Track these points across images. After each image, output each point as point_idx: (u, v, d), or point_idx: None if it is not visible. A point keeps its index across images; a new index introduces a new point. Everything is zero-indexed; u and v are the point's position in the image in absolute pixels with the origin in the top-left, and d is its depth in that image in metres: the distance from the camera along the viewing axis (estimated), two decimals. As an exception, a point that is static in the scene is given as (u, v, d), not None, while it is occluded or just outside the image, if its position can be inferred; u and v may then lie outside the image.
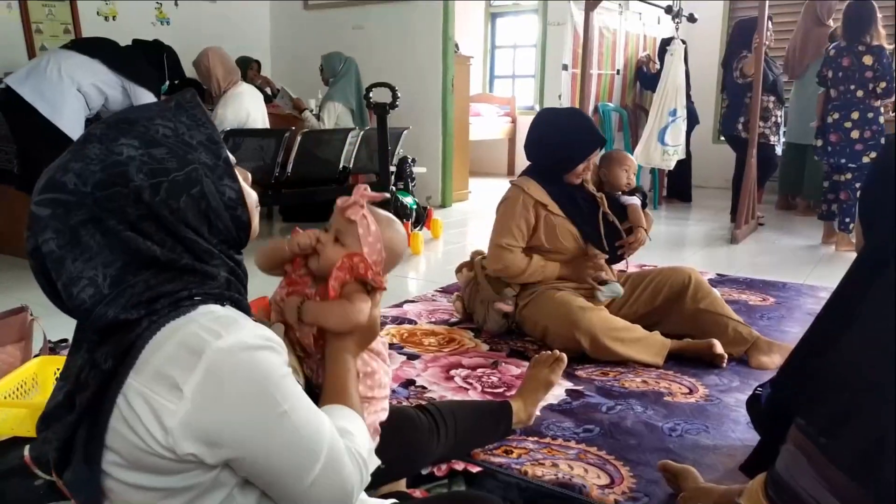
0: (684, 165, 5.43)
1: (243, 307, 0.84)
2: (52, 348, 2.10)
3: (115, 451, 0.76)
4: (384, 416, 1.12)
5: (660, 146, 4.34)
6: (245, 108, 3.81)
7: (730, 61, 4.64)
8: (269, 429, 0.76)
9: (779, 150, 4.71)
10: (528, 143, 2.35)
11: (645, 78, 5.66)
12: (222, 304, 0.80)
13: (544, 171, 2.30)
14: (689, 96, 5.15)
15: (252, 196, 0.87)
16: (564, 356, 1.77)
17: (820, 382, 0.99)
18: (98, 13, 4.89)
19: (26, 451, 1.54)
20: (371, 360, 1.11)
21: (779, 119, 4.62)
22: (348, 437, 0.86)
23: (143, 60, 3.46)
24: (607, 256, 2.30)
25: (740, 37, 4.61)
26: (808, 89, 4.96)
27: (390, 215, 1.15)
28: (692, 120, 5.14)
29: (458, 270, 2.60)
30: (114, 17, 4.95)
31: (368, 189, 1.10)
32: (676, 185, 5.80)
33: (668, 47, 4.37)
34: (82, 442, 0.77)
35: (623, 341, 2.10)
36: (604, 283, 2.29)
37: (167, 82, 3.69)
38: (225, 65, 3.80)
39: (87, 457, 0.76)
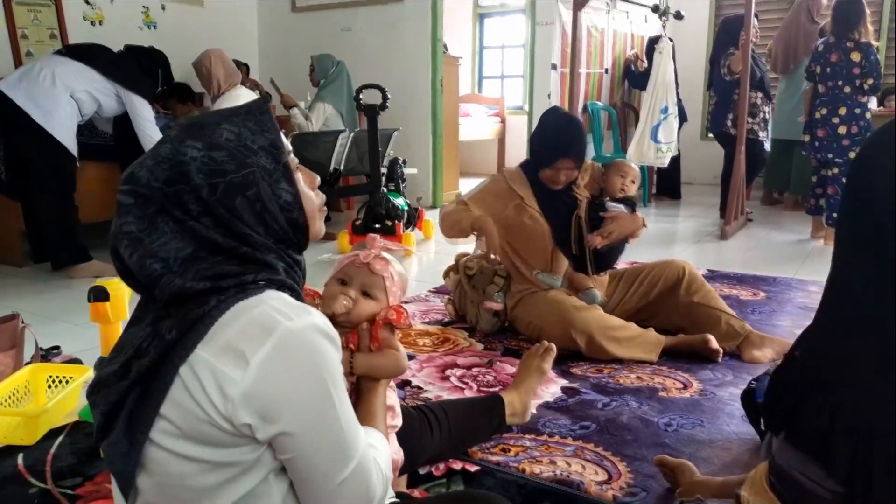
0: (674, 163, 5.47)
1: (300, 299, 0.89)
2: (44, 356, 2.09)
3: (170, 419, 0.79)
4: (395, 444, 1.19)
5: (653, 144, 4.37)
6: None
7: (717, 58, 4.67)
8: (320, 413, 0.81)
9: (767, 146, 4.75)
10: (532, 136, 2.39)
11: (633, 76, 5.69)
12: (284, 293, 0.85)
13: (534, 166, 2.32)
14: (677, 94, 5.18)
15: (314, 200, 0.93)
16: (554, 346, 1.86)
17: (779, 384, 1.03)
18: (84, 17, 4.86)
19: (20, 459, 1.53)
20: (391, 393, 1.19)
21: (766, 115, 4.66)
22: (375, 452, 0.92)
23: (137, 67, 3.45)
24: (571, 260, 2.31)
25: (727, 34, 4.64)
26: (796, 86, 5.01)
27: (391, 258, 1.20)
28: (681, 117, 5.16)
29: (446, 275, 2.62)
30: (100, 22, 4.91)
31: (379, 238, 1.18)
32: (666, 183, 5.84)
33: (656, 45, 4.38)
34: (129, 410, 0.81)
35: (618, 340, 2.11)
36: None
37: (160, 88, 3.68)
38: (226, 67, 3.81)
39: (131, 426, 0.80)
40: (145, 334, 0.82)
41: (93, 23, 4.87)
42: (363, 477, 0.86)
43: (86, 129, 3.59)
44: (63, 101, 3.17)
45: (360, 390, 1.10)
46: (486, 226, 2.15)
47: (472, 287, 2.44)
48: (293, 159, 0.90)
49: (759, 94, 4.58)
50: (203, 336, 0.78)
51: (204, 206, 0.82)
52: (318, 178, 0.96)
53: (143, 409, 0.79)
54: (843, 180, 3.93)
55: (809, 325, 1.05)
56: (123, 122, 3.43)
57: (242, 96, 3.81)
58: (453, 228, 2.24)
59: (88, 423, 1.66)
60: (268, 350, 0.77)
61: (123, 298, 1.52)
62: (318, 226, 0.93)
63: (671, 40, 4.93)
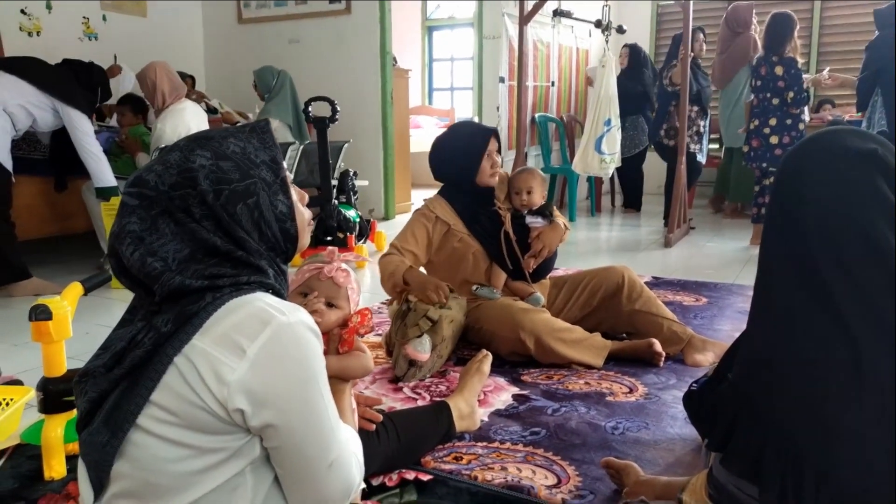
0: (638, 175, 5.60)
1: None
2: (-18, 377, 2.02)
3: (162, 405, 0.83)
4: None
5: (597, 155, 4.48)
6: (185, 124, 3.73)
7: (663, 71, 4.84)
8: (309, 403, 0.88)
9: (701, 158, 4.94)
10: (433, 168, 2.41)
11: None
12: (275, 294, 0.92)
13: (454, 188, 2.37)
14: (649, 107, 5.29)
15: (304, 214, 1.00)
16: (490, 354, 1.96)
17: (711, 406, 1.08)
18: (21, 28, 4.71)
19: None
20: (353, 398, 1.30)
21: (702, 128, 4.83)
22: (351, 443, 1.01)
23: (75, 81, 3.36)
24: (508, 274, 2.36)
25: (675, 48, 4.82)
26: (729, 97, 5.23)
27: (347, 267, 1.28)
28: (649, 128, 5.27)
29: (390, 304, 2.51)
30: (38, 33, 4.77)
31: (337, 251, 1.26)
32: (629, 195, 5.93)
33: (599, 61, 4.52)
34: (115, 399, 0.86)
35: (566, 342, 2.16)
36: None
37: (98, 104, 3.59)
38: (171, 80, 3.72)
39: (116, 414, 0.85)
40: (138, 329, 0.87)
41: (30, 33, 4.73)
42: (346, 463, 0.93)
43: (24, 144, 3.49)
44: None
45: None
46: (414, 278, 2.16)
47: (401, 322, 2.14)
48: (289, 175, 0.98)
49: (695, 108, 4.77)
50: (199, 328, 0.84)
51: (207, 210, 0.88)
52: (307, 196, 1.03)
53: (131, 397, 0.84)
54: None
55: (737, 339, 1.09)
56: (61, 134, 3.34)
57: (188, 109, 3.75)
58: (388, 283, 2.22)
59: (30, 446, 1.61)
60: (264, 341, 0.83)
61: (66, 317, 1.48)
62: (305, 238, 1.00)
63: (613, 55, 5.06)
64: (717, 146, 5.82)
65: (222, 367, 0.82)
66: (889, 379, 0.87)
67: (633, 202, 5.88)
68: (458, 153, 2.32)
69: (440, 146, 2.38)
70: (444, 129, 2.54)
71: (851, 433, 0.88)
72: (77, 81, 3.37)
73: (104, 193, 3.33)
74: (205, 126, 3.92)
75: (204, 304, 0.85)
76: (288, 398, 0.86)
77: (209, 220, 0.89)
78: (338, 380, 1.17)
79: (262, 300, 0.87)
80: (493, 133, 2.34)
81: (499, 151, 2.35)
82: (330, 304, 1.21)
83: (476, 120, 6.11)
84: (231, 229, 0.89)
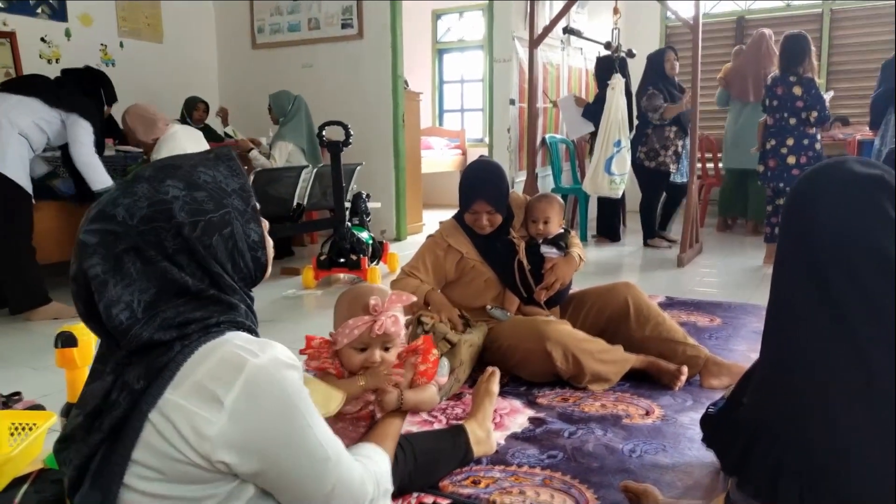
0: (612, 205, 5.23)
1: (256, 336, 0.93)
2: (5, 402, 2.05)
3: (144, 463, 0.81)
4: None
5: (607, 175, 4.50)
6: (181, 148, 3.71)
7: (641, 92, 4.90)
8: (295, 439, 0.86)
9: (677, 179, 4.98)
10: None
11: (588, 112, 5.67)
12: (246, 332, 0.90)
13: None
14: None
15: (270, 242, 0.99)
16: (497, 370, 1.94)
17: (727, 431, 1.09)
18: (41, 56, 4.83)
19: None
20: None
21: (679, 149, 4.90)
22: (366, 460, 1.04)
23: (78, 90, 3.40)
24: (521, 301, 2.36)
25: (651, 69, 4.90)
26: (745, 117, 5.25)
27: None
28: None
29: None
30: (57, 60, 4.88)
31: (380, 301, 1.26)
32: (604, 224, 5.49)
33: (608, 82, 4.55)
34: (98, 462, 0.83)
35: (591, 353, 2.12)
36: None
37: (106, 105, 3.62)
38: (144, 119, 3.65)
39: (102, 477, 0.82)
40: (110, 384, 0.83)
41: (49, 61, 4.84)
42: (349, 482, 0.93)
43: (45, 164, 3.54)
44: (12, 140, 3.12)
45: (380, 419, 1.26)
46: (434, 300, 2.25)
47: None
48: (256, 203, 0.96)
49: (674, 128, 4.84)
50: (170, 381, 0.80)
51: (183, 243, 0.85)
52: (268, 224, 1.00)
53: (113, 458, 0.81)
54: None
55: (753, 365, 1.10)
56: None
57: (178, 133, 3.69)
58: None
59: (54, 470, 1.63)
60: (239, 388, 0.80)
61: (90, 343, 1.51)
62: (269, 267, 1.00)
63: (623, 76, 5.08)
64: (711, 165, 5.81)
65: (200, 420, 0.79)
66: None
67: (607, 231, 5.43)
68: (462, 190, 2.34)
69: (464, 173, 2.40)
70: (481, 160, 2.47)
71: (867, 452, 0.89)
72: (82, 90, 3.41)
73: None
74: (203, 145, 3.92)
75: (173, 355, 0.82)
76: (273, 443, 0.84)
77: (183, 254, 0.85)
78: (399, 412, 1.24)
79: (233, 342, 0.84)
80: (479, 197, 2.26)
81: (497, 212, 2.27)
82: (386, 348, 1.27)
83: (486, 143, 6.14)
84: (205, 263, 0.87)
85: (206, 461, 0.80)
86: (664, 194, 5.14)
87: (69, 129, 3.28)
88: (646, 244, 5.06)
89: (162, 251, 0.84)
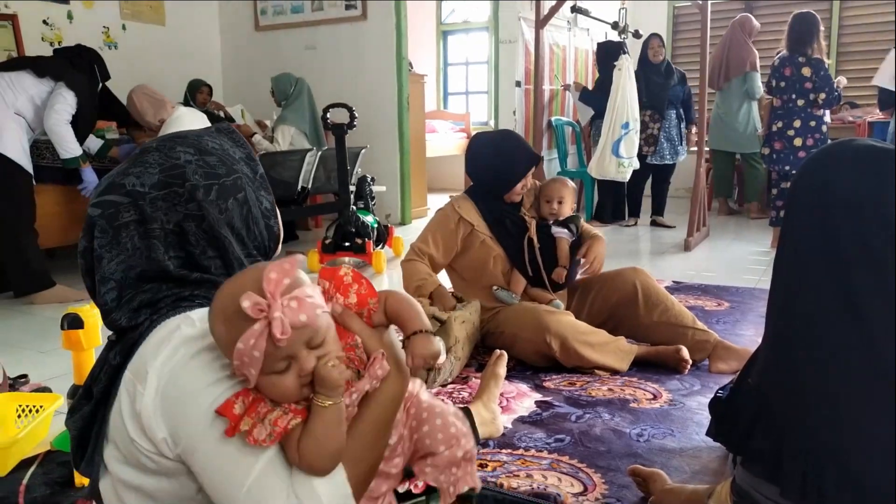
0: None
1: None
2: (12, 385, 2.05)
3: (114, 442, 0.81)
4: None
5: (615, 158, 4.46)
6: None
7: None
8: (204, 422, 0.75)
9: (656, 160, 5.00)
10: (467, 166, 2.43)
11: (585, 96, 5.53)
12: None
13: (483, 192, 2.37)
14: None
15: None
16: (505, 353, 1.93)
17: (733, 410, 1.08)
18: (43, 38, 4.79)
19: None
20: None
21: (656, 131, 4.94)
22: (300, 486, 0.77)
23: (69, 64, 3.38)
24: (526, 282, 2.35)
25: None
26: (730, 101, 5.24)
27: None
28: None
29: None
30: (59, 43, 4.84)
31: (266, 275, 0.78)
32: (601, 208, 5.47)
33: (615, 63, 4.50)
34: (96, 433, 0.84)
35: (592, 345, 2.14)
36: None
37: (100, 84, 3.62)
38: (152, 100, 3.71)
39: (95, 452, 0.83)
40: (101, 359, 0.86)
41: (51, 44, 4.80)
42: (268, 488, 0.75)
43: (47, 153, 3.53)
44: (9, 120, 3.13)
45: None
46: (436, 296, 2.23)
47: None
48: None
49: (648, 112, 4.89)
50: (131, 357, 0.80)
51: (196, 208, 0.84)
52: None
53: (100, 433, 0.84)
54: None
55: (759, 347, 1.09)
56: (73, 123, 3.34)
57: (184, 115, 3.69)
58: (414, 292, 2.25)
59: (61, 452, 1.64)
60: (162, 357, 0.77)
61: (97, 325, 1.50)
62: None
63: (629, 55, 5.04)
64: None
65: (136, 395, 0.77)
66: None
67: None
68: (497, 168, 2.31)
69: (481, 152, 2.37)
70: (491, 132, 2.52)
71: (870, 429, 0.89)
72: (71, 64, 3.39)
73: (69, 164, 3.34)
74: (206, 125, 3.92)
75: (142, 331, 0.81)
76: (186, 424, 0.76)
77: (192, 221, 0.84)
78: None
79: (187, 315, 0.80)
80: (536, 160, 2.33)
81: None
82: (316, 345, 0.78)
83: (491, 126, 6.11)
84: (217, 230, 0.84)
85: (149, 441, 0.76)
86: (650, 177, 5.17)
87: (51, 98, 3.26)
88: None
89: (169, 220, 0.83)
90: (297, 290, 0.74)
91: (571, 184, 2.44)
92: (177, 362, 0.77)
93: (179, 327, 0.79)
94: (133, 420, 0.78)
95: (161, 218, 0.83)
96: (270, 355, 0.73)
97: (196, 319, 0.80)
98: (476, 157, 2.38)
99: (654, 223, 5.19)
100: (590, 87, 5.73)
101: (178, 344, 0.77)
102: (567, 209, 2.38)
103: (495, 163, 2.32)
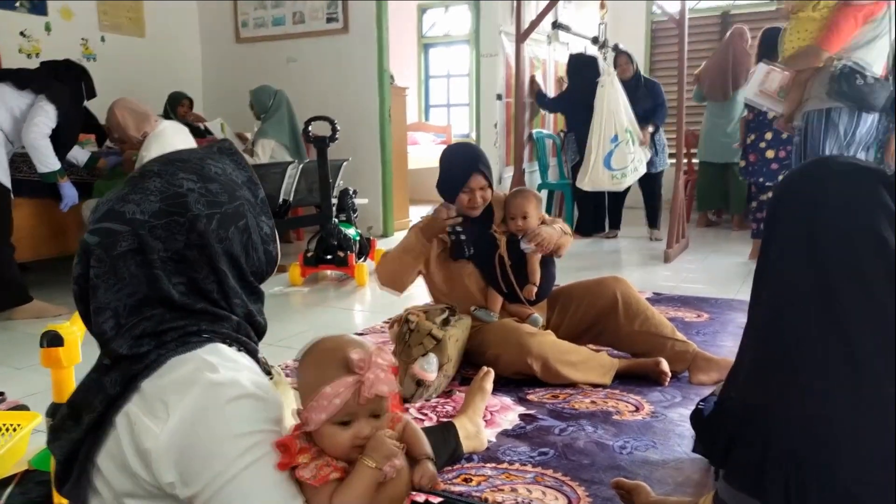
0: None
1: (251, 351, 0.89)
2: (-12, 402, 2.01)
3: (104, 469, 0.81)
4: None
5: (607, 171, 4.51)
6: (171, 146, 3.66)
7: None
8: (226, 474, 0.77)
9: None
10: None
11: (541, 99, 5.49)
12: (229, 345, 0.85)
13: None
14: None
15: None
16: (492, 370, 1.95)
17: (715, 426, 1.09)
18: (20, 50, 4.74)
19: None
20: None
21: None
22: None
23: (52, 76, 3.32)
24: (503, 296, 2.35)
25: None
26: (730, 112, 5.29)
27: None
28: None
29: (391, 327, 2.45)
30: (37, 55, 4.79)
31: (369, 355, 0.88)
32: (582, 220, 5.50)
33: (598, 80, 4.55)
34: (82, 459, 0.83)
35: (574, 365, 2.16)
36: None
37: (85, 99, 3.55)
38: (134, 113, 3.59)
39: (81, 476, 0.82)
40: (91, 382, 0.84)
41: (29, 55, 4.76)
42: None
43: (24, 165, 3.49)
44: None
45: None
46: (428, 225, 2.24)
47: (404, 344, 2.11)
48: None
49: None
50: (136, 391, 0.79)
51: (197, 238, 0.83)
52: None
53: (88, 460, 0.82)
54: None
55: (737, 359, 1.10)
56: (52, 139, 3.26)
57: (167, 129, 3.62)
58: (387, 277, 2.30)
59: (39, 472, 1.61)
60: (186, 404, 0.77)
61: (77, 343, 1.48)
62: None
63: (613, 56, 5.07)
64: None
65: (145, 432, 0.77)
66: (888, 383, 0.88)
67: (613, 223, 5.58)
68: (442, 177, 2.30)
69: (440, 163, 2.37)
70: (449, 147, 2.53)
71: (852, 437, 0.89)
72: (56, 77, 3.33)
73: (47, 178, 3.28)
74: (191, 141, 3.83)
75: (148, 363, 0.80)
76: (205, 470, 0.76)
77: (193, 250, 0.83)
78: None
79: (202, 357, 0.80)
80: (476, 170, 2.21)
81: (489, 186, 2.25)
82: (376, 416, 0.88)
83: (473, 138, 6.13)
84: (216, 260, 0.84)
85: (151, 476, 0.77)
86: (634, 190, 5.17)
87: (31, 110, 3.18)
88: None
89: (168, 249, 0.82)
90: (384, 365, 0.87)
91: (535, 194, 2.38)
92: (210, 405, 0.77)
93: (201, 370, 0.79)
94: (138, 457, 0.77)
95: (159, 247, 0.82)
96: (346, 408, 0.83)
97: (216, 364, 0.80)
98: (439, 170, 2.38)
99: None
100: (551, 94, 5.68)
101: (206, 386, 0.78)
102: (534, 222, 2.30)
103: (442, 171, 2.32)
